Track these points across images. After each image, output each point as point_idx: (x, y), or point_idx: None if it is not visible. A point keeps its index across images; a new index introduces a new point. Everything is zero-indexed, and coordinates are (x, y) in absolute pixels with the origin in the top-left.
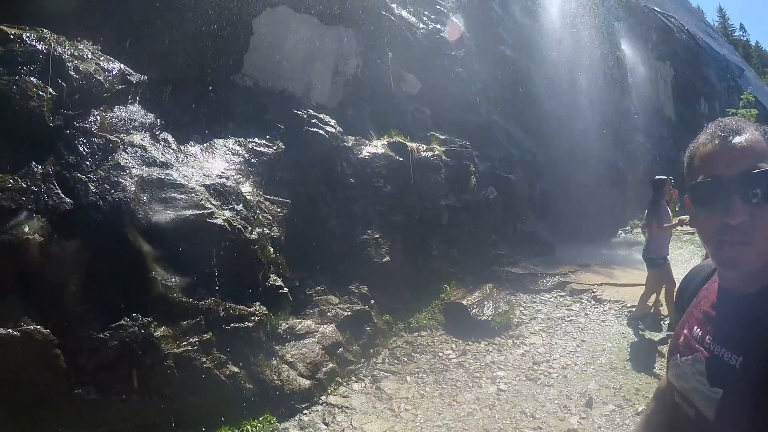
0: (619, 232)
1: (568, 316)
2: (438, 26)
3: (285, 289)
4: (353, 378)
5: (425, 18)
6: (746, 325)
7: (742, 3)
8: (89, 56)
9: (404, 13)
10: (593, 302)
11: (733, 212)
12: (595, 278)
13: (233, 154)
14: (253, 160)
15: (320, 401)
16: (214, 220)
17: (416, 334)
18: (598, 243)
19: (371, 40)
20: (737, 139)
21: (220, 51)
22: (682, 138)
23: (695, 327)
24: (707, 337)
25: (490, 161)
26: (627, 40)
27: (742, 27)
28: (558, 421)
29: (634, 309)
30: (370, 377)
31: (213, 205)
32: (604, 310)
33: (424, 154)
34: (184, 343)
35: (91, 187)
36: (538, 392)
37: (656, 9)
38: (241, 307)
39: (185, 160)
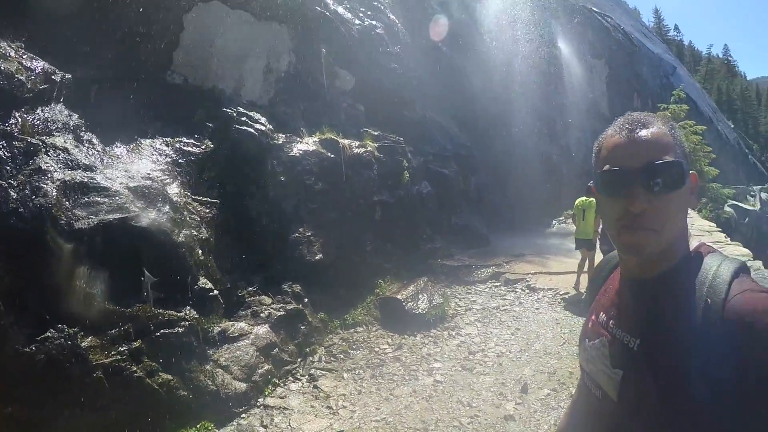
0: (554, 222)
1: (503, 306)
2: (374, 22)
3: (215, 291)
4: (290, 378)
5: (361, 14)
6: (643, 309)
7: (677, 5)
8: (12, 54)
9: (340, 9)
10: (527, 291)
11: (635, 200)
12: (529, 268)
13: (160, 155)
14: (180, 161)
15: (258, 404)
16: (139, 224)
17: (352, 330)
18: (533, 233)
19: (305, 36)
20: (643, 132)
21: (148, 48)
22: None
23: (601, 312)
24: (611, 321)
25: (424, 156)
26: (563, 38)
27: (676, 27)
28: (494, 408)
29: (567, 296)
30: (307, 376)
31: (138, 207)
32: (538, 298)
33: (356, 150)
34: (113, 353)
35: (12, 194)
36: (474, 381)
37: (593, 8)
38: (171, 312)
39: (110, 162)
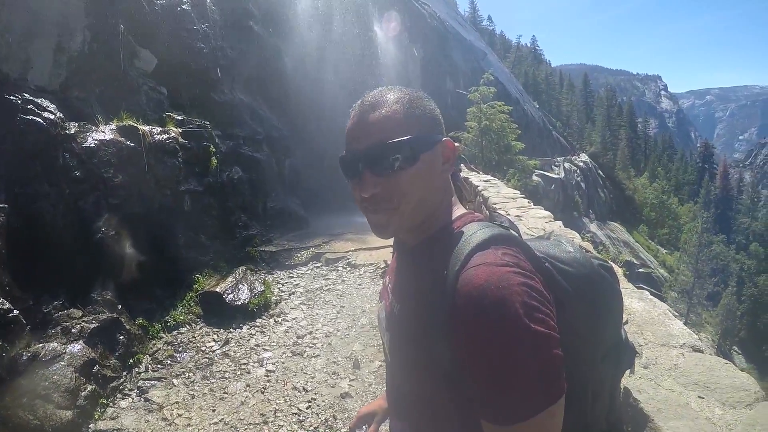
0: None
1: (326, 286)
2: None
3: (15, 311)
4: (118, 395)
5: None
6: (404, 275)
7: None
8: None
9: None
10: (349, 268)
11: (364, 185)
12: (349, 245)
13: None
14: None
15: (89, 430)
16: None
17: (176, 332)
18: (351, 212)
19: (102, 12)
20: (371, 115)
21: None
22: None
23: (388, 277)
24: (389, 286)
25: (234, 140)
26: (380, 22)
27: (489, 18)
28: (330, 389)
29: (387, 269)
30: (136, 390)
31: None
32: (360, 274)
33: (158, 137)
34: None
35: None
36: (306, 365)
37: None
38: None
39: None
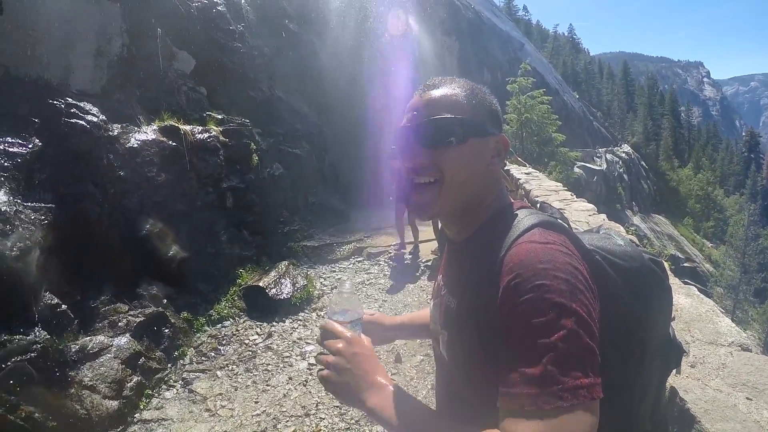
0: None
1: (368, 280)
2: None
3: (64, 306)
4: (163, 386)
5: None
6: (457, 270)
7: None
8: None
9: None
10: (390, 262)
11: (411, 155)
12: (390, 240)
13: None
14: (5, 164)
15: (135, 420)
16: None
17: (219, 326)
18: (390, 206)
19: (139, 16)
20: (431, 92)
21: None
22: None
23: (440, 274)
24: (442, 283)
25: (274, 138)
26: (415, 16)
27: (525, 8)
28: None
29: (429, 263)
30: (180, 381)
31: None
32: (406, 266)
33: (199, 136)
34: None
35: None
36: None
37: None
38: (18, 337)
39: None
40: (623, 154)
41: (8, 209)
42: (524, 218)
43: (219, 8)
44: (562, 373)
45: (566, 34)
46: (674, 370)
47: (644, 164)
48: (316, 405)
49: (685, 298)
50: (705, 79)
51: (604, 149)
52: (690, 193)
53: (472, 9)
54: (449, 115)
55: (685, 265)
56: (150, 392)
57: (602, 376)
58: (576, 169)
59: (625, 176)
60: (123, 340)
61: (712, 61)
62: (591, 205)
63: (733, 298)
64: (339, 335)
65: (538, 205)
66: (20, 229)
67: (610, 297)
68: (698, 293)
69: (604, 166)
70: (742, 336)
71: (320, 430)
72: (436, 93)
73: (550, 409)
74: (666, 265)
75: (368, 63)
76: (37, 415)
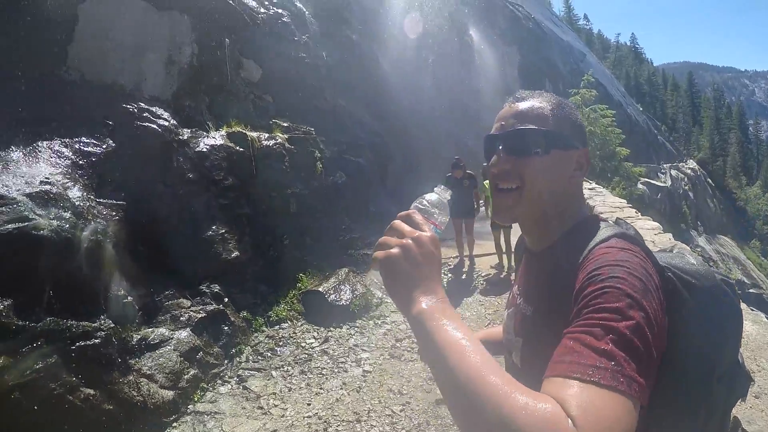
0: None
1: None
2: (280, 11)
3: (129, 297)
4: (218, 381)
5: (267, 2)
6: (535, 279)
7: None
8: None
9: None
10: (449, 275)
11: (497, 161)
12: (449, 252)
13: (59, 157)
14: (81, 162)
15: (188, 411)
16: (40, 232)
17: (277, 327)
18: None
19: (208, 26)
20: (519, 104)
21: (40, 43)
22: None
23: (516, 285)
24: (518, 292)
25: (338, 146)
26: (475, 26)
27: (585, 17)
28: (425, 394)
29: (488, 277)
30: (235, 378)
31: (38, 215)
32: (461, 281)
33: (266, 143)
34: (27, 372)
35: None
36: (402, 368)
37: None
38: (85, 323)
39: (5, 168)
40: (689, 171)
41: (82, 204)
42: (603, 230)
43: (284, 19)
44: (624, 358)
45: (628, 43)
46: (740, 399)
47: (710, 181)
48: (368, 412)
49: (752, 324)
50: None
51: (668, 165)
52: (758, 213)
53: (533, 19)
54: (534, 127)
55: (751, 291)
56: (205, 386)
57: (668, 396)
58: (640, 186)
59: (690, 194)
60: (183, 333)
61: None
62: (656, 224)
63: None
64: (421, 228)
65: (615, 220)
66: (93, 224)
67: (680, 315)
68: (766, 320)
69: (669, 182)
70: None
71: None
72: (524, 105)
73: (606, 385)
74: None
75: (429, 73)
76: (95, 397)
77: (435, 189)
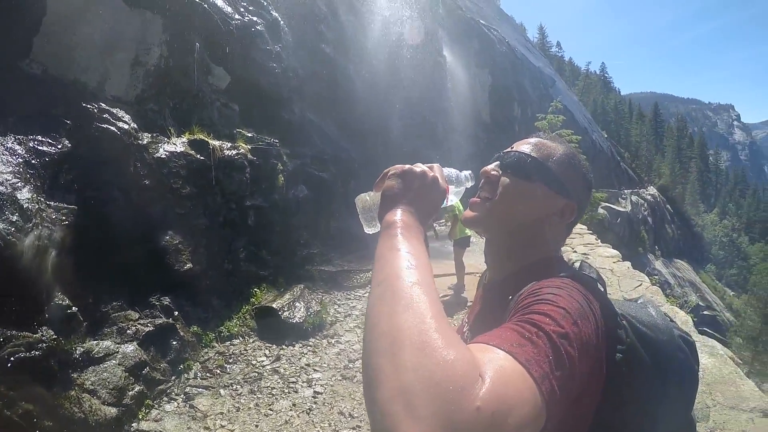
0: (435, 225)
1: None
2: (255, 18)
3: (74, 308)
4: (164, 398)
5: (242, 9)
6: (483, 308)
7: (561, 23)
8: None
9: (219, 2)
10: None
11: (489, 168)
12: None
13: (11, 155)
14: (33, 162)
15: (131, 429)
16: None
17: (228, 343)
18: None
19: (178, 29)
20: (532, 138)
21: (4, 31)
22: (496, 138)
23: (467, 316)
24: (467, 319)
25: (302, 159)
26: (449, 47)
27: (558, 44)
28: None
29: (446, 298)
30: (182, 395)
31: None
32: None
33: (227, 152)
34: None
35: None
36: (355, 390)
37: (481, 21)
38: (25, 334)
39: None
40: (649, 197)
41: (30, 206)
42: (560, 269)
43: (258, 27)
44: (546, 355)
45: (598, 72)
46: None
47: (669, 207)
48: None
49: (708, 358)
50: (735, 123)
51: (629, 191)
52: (714, 239)
53: (506, 43)
54: (535, 156)
55: (705, 313)
56: (150, 403)
57: None
58: (600, 210)
59: (649, 219)
60: (129, 348)
61: (743, 104)
62: (615, 252)
63: (752, 349)
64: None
65: (579, 264)
66: (41, 228)
67: (630, 370)
68: (722, 352)
69: (629, 207)
70: (765, 401)
71: None
72: (537, 140)
73: (522, 363)
74: (689, 319)
75: (401, 92)
76: (34, 413)
77: (463, 171)
